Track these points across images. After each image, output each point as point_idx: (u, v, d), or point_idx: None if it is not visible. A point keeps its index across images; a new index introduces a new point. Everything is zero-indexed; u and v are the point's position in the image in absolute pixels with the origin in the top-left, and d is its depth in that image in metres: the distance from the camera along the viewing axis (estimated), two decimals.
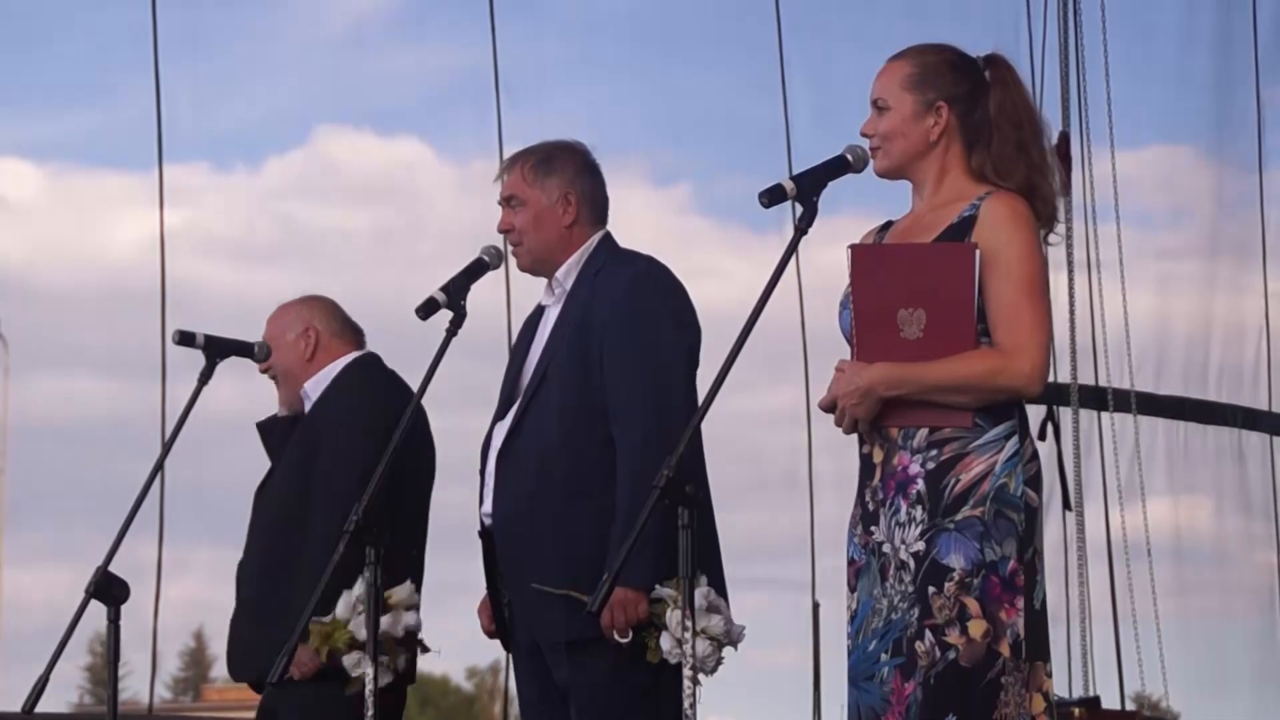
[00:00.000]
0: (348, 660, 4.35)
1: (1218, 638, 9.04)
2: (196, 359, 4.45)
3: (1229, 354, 9.06)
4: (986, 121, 3.64)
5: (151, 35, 7.62)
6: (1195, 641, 8.77)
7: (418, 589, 4.54)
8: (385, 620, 4.31)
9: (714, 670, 3.97)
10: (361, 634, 4.22)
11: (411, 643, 4.49)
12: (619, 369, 4.11)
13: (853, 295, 3.56)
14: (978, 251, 3.49)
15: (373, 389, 4.75)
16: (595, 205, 4.33)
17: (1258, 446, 9.08)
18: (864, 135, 3.67)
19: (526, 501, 4.13)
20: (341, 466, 4.56)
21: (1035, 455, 3.56)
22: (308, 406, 4.82)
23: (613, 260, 4.27)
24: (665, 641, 3.90)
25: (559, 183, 4.29)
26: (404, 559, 4.53)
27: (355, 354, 4.88)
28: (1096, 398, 8.05)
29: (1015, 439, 3.51)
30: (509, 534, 4.17)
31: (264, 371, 4.87)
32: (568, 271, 4.28)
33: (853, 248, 3.61)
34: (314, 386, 4.82)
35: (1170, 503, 8.97)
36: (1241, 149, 9.15)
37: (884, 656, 3.50)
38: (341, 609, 4.36)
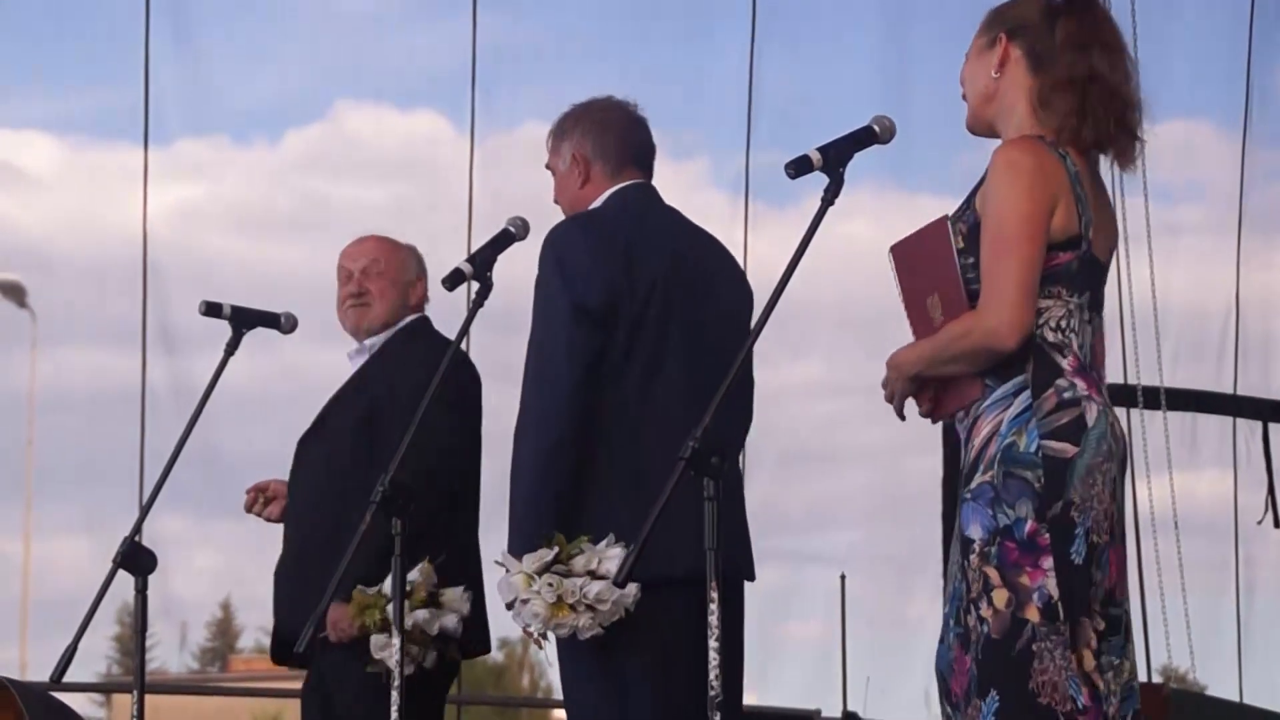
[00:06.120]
0: (375, 641, 4.31)
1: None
2: (175, 332, 4.38)
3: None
4: (1051, 50, 3.42)
5: (164, 10, 7.63)
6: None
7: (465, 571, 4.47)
8: (422, 614, 4.27)
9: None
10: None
11: (445, 642, 4.39)
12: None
13: (900, 293, 3.53)
14: (950, 223, 3.41)
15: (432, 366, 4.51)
16: (609, 159, 4.18)
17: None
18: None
19: None
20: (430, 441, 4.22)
21: (1060, 406, 3.36)
22: (364, 359, 4.74)
23: None
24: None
25: (568, 145, 4.22)
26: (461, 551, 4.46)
27: (409, 319, 4.76)
28: (1126, 395, 7.93)
29: (1027, 393, 3.36)
30: None
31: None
32: None
33: (892, 249, 3.55)
34: (373, 343, 4.73)
35: (1196, 477, 8.96)
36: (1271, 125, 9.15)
37: (951, 623, 3.42)
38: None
